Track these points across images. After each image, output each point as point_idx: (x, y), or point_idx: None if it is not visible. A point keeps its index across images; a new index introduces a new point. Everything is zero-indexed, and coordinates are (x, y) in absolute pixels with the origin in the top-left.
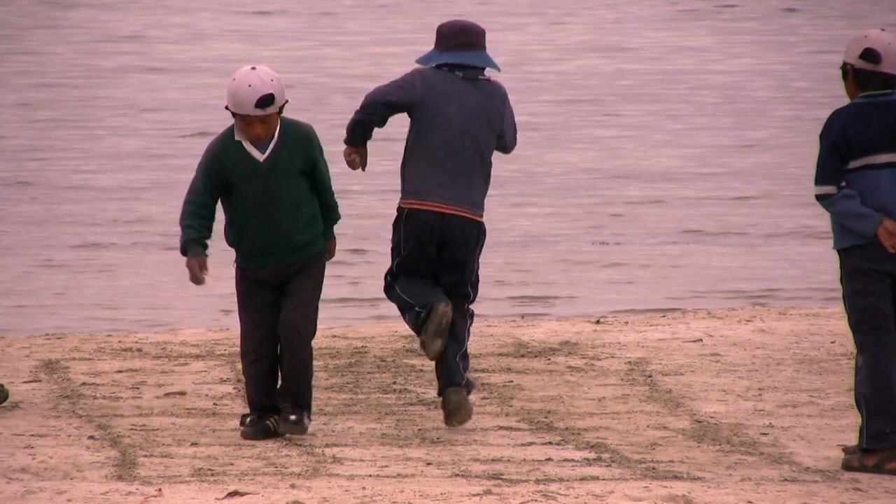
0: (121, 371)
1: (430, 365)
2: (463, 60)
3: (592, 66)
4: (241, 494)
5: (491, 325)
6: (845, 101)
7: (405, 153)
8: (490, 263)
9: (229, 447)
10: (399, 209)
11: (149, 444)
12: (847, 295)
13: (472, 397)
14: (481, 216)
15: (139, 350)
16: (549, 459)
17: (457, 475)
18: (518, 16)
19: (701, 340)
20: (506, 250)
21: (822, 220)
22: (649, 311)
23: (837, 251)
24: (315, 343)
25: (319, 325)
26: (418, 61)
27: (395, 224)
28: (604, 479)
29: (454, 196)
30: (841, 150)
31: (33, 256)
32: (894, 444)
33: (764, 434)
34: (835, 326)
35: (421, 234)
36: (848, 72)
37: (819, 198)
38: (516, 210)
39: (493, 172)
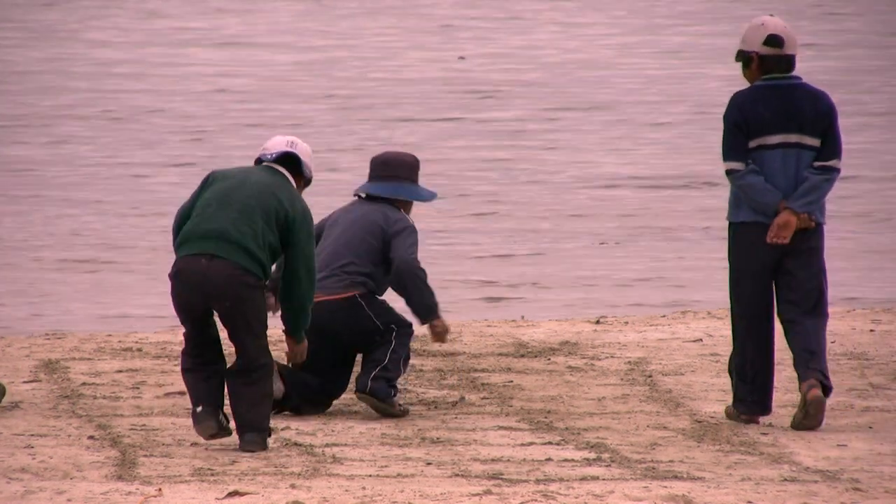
0: (121, 371)
1: (431, 365)
2: (372, 191)
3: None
4: (241, 494)
5: (491, 325)
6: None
7: None
8: (489, 260)
9: (229, 447)
10: None
11: (149, 444)
12: (732, 267)
13: (472, 397)
14: (352, 294)
15: (139, 350)
16: (549, 459)
17: (457, 475)
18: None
19: (701, 340)
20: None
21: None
22: (649, 312)
23: (729, 224)
24: None
25: None
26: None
27: None
28: (604, 479)
29: (335, 286)
30: (742, 128)
31: (36, 256)
32: (751, 413)
33: (764, 434)
34: (834, 326)
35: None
36: (752, 59)
37: (729, 173)
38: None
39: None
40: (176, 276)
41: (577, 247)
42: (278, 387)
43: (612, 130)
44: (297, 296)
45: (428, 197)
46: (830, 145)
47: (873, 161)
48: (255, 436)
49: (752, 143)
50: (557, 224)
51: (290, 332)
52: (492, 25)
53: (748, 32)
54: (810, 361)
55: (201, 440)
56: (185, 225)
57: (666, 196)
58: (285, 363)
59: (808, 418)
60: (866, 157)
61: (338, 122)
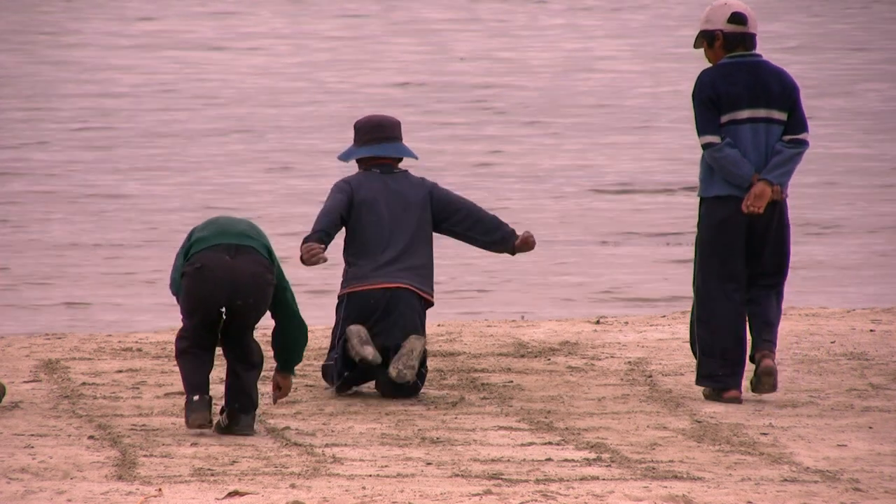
0: (121, 371)
1: (431, 365)
2: (378, 153)
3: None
4: (241, 494)
5: (491, 325)
6: None
7: (347, 253)
8: (490, 257)
9: (229, 447)
10: (339, 296)
11: (149, 444)
12: (702, 242)
13: (472, 397)
14: (430, 294)
15: (139, 350)
16: (549, 459)
17: (457, 475)
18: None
19: None
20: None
21: (816, 214)
22: (649, 312)
23: (701, 199)
24: (315, 343)
25: (319, 325)
26: (339, 157)
27: (337, 309)
28: (604, 479)
29: (396, 275)
30: (715, 103)
31: (35, 253)
32: (725, 385)
33: (764, 434)
34: (835, 326)
35: (362, 311)
36: (717, 37)
37: (706, 146)
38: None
39: (506, 170)
40: (198, 270)
41: (578, 248)
42: (377, 353)
43: (610, 133)
44: (301, 330)
45: (417, 155)
46: (798, 119)
47: None
48: (248, 419)
49: (724, 119)
50: (554, 226)
51: (289, 367)
52: (491, 26)
53: (711, 12)
54: (764, 332)
55: (201, 440)
56: (193, 238)
57: (669, 198)
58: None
59: (761, 384)
60: None
61: (332, 126)
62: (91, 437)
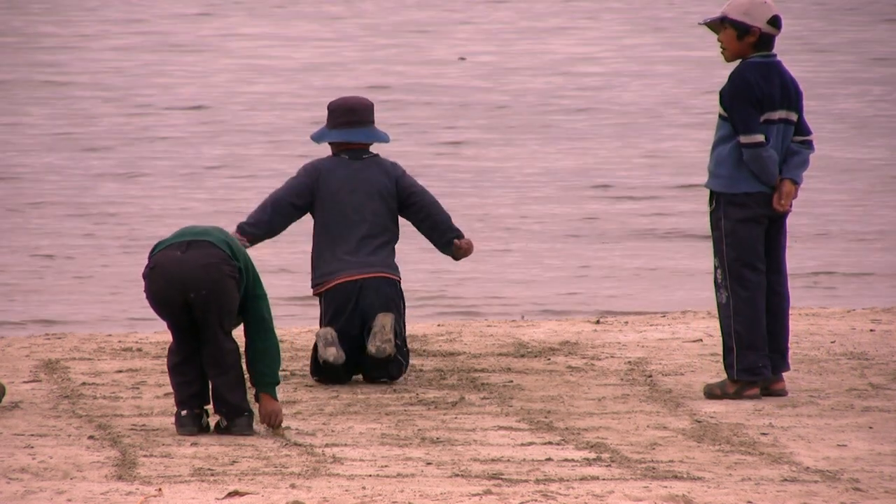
0: (121, 371)
1: (431, 365)
2: (348, 138)
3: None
4: (241, 494)
5: (491, 325)
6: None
7: (313, 242)
8: (493, 260)
9: (229, 447)
10: (318, 295)
11: (149, 444)
12: (733, 236)
13: (472, 397)
14: (398, 277)
15: (139, 350)
16: (549, 459)
17: (457, 475)
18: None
19: (701, 340)
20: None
21: (811, 220)
22: (649, 312)
23: (722, 194)
24: (309, 343)
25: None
26: (312, 137)
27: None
28: (604, 479)
29: (362, 265)
30: (760, 102)
31: (33, 251)
32: (762, 377)
33: (764, 434)
34: (835, 326)
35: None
36: (753, 33)
37: (755, 145)
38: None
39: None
40: (151, 270)
41: (575, 247)
42: (340, 354)
43: (608, 134)
44: (271, 343)
45: (388, 138)
46: (805, 122)
47: None
48: (242, 420)
49: (762, 118)
50: (551, 225)
51: (268, 388)
52: (494, 27)
53: (752, 7)
54: (786, 355)
55: (201, 440)
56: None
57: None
58: (268, 424)
59: (768, 393)
60: None
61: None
62: (91, 437)
